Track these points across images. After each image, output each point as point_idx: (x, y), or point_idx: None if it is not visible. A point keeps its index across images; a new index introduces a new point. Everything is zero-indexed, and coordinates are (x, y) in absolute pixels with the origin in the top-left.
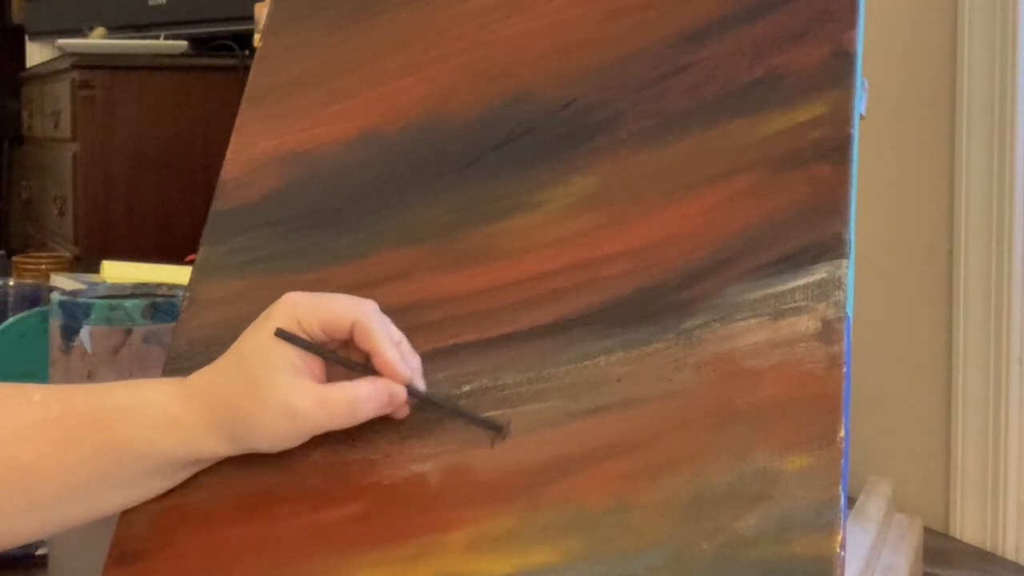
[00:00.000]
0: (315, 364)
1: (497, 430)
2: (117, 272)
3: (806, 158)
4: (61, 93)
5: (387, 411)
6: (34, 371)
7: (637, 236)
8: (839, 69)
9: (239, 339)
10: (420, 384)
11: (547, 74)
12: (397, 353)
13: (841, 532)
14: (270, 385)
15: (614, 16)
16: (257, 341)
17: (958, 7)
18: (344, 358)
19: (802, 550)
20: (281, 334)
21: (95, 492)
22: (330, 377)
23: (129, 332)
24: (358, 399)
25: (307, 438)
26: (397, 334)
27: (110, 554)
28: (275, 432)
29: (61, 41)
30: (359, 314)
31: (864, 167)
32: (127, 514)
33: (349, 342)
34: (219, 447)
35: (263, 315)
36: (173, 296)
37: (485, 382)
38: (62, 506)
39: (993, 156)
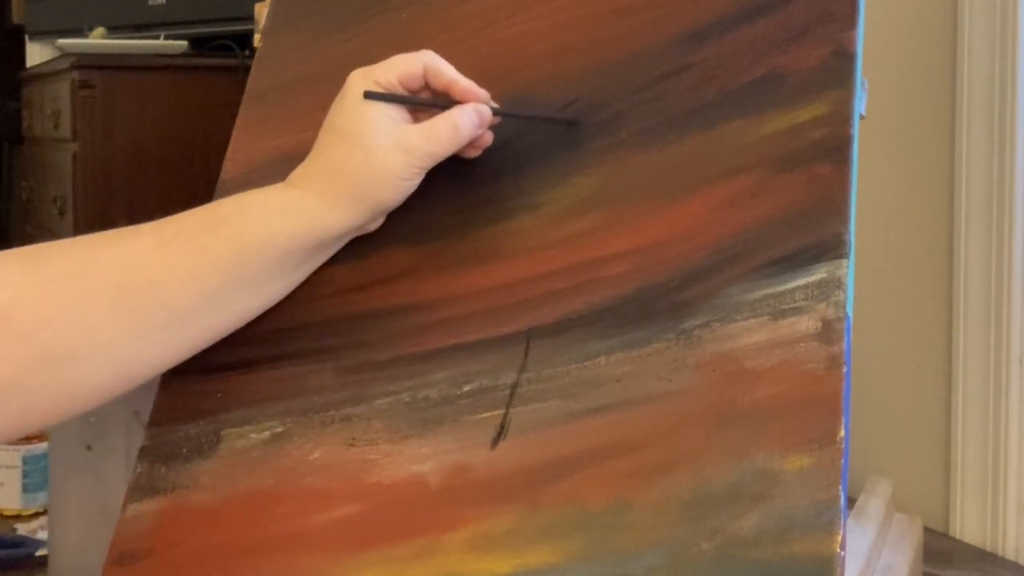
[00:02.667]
0: (403, 114)
1: (573, 124)
2: None
3: (806, 158)
4: (61, 93)
5: (480, 131)
6: None
7: (637, 236)
8: (839, 69)
9: (326, 121)
10: (494, 105)
11: (547, 74)
12: (469, 81)
13: (841, 532)
14: (377, 136)
15: (614, 16)
16: (346, 111)
17: (958, 7)
18: (430, 99)
19: (802, 550)
20: (370, 95)
21: (227, 298)
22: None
23: None
24: (457, 121)
25: (422, 175)
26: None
27: (110, 554)
28: (393, 173)
29: (61, 41)
30: (427, 58)
31: (864, 167)
32: (127, 514)
33: (419, 92)
34: (341, 216)
35: (339, 94)
36: None
37: (485, 382)
38: (194, 320)
39: (993, 156)
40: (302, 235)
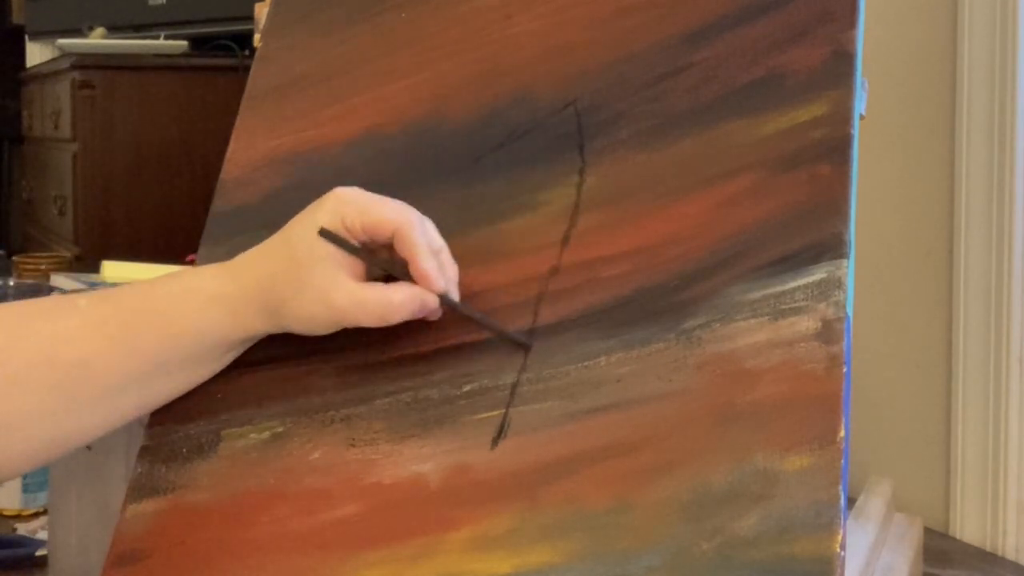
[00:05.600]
0: (356, 262)
1: (525, 346)
2: (117, 272)
3: (806, 158)
4: (61, 93)
5: (418, 316)
6: None
7: (637, 236)
8: (839, 69)
9: (287, 226)
10: (455, 294)
11: (547, 74)
12: (435, 264)
13: (841, 532)
14: (311, 275)
15: (614, 16)
16: (303, 231)
17: (958, 7)
18: (383, 261)
19: (802, 550)
20: (325, 234)
21: (153, 380)
22: (370, 274)
23: None
24: (392, 304)
25: (338, 328)
26: (438, 242)
27: (110, 554)
28: (310, 319)
29: (61, 41)
30: (402, 222)
31: (864, 167)
32: (127, 514)
33: (391, 244)
34: (260, 323)
35: (313, 205)
36: None
37: (485, 382)
38: (123, 397)
39: (993, 156)
40: (228, 333)
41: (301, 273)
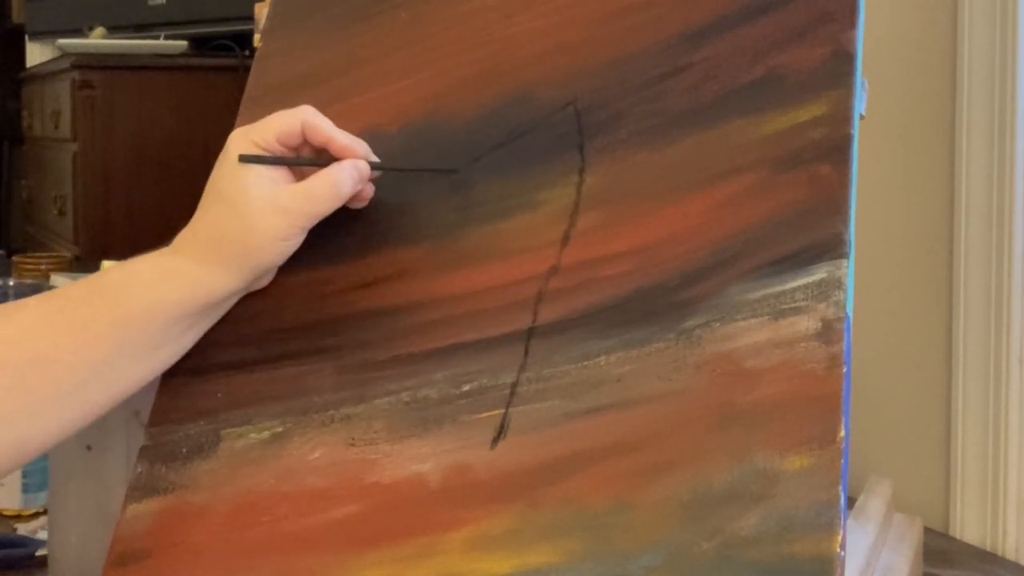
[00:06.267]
0: (284, 173)
1: (452, 171)
2: None
3: (806, 158)
4: (61, 93)
5: (360, 186)
6: None
7: (637, 236)
8: (839, 69)
9: (208, 184)
10: (374, 159)
11: (547, 74)
12: (350, 138)
13: (841, 532)
14: (254, 200)
15: (614, 16)
16: (225, 174)
17: (958, 7)
18: (306, 158)
19: (802, 550)
20: (245, 158)
21: (116, 368)
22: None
23: None
24: (336, 181)
25: (303, 234)
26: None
27: (110, 554)
28: (271, 236)
29: (61, 41)
30: (305, 115)
31: (864, 167)
32: (127, 514)
33: (300, 149)
34: (223, 280)
35: (221, 155)
36: None
37: (485, 382)
38: (87, 390)
39: (993, 156)
40: (185, 302)
41: (240, 207)
